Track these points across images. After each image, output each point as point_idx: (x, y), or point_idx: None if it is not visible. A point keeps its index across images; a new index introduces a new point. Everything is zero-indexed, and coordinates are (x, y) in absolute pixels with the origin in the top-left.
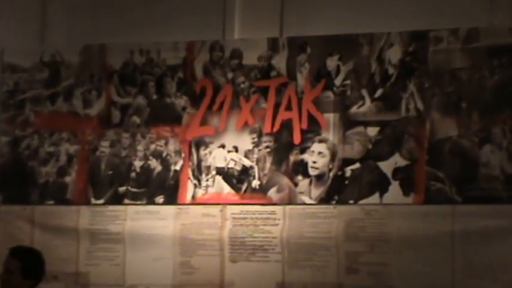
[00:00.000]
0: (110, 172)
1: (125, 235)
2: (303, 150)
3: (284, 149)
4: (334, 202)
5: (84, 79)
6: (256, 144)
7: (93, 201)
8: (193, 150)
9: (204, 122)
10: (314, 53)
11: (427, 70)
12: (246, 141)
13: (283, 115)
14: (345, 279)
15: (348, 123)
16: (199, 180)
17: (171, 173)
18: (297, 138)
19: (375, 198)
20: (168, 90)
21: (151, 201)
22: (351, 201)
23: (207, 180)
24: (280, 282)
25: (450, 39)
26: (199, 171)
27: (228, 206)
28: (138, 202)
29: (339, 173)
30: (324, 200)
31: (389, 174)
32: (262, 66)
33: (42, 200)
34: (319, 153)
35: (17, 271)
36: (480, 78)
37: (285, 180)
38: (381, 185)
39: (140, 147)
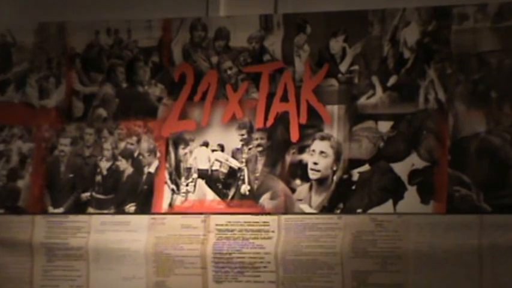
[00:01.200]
0: (71, 175)
1: (89, 250)
2: (301, 150)
3: (279, 148)
4: (338, 211)
5: (40, 64)
6: (246, 142)
7: (50, 209)
8: (171, 149)
9: (183, 116)
10: (315, 33)
11: (450, 53)
12: (233, 139)
13: (278, 107)
14: None
15: (355, 116)
16: (177, 185)
17: (144, 176)
18: (294, 135)
19: (387, 206)
20: (140, 77)
21: (120, 210)
22: (359, 210)
23: (187, 184)
24: None
25: (477, 16)
26: (177, 174)
27: (212, 216)
28: (105, 211)
29: (345, 176)
30: (326, 208)
31: (404, 178)
32: (253, 49)
33: None
34: (321, 152)
35: None
36: None
37: (280, 185)
38: (394, 190)
39: (107, 146)
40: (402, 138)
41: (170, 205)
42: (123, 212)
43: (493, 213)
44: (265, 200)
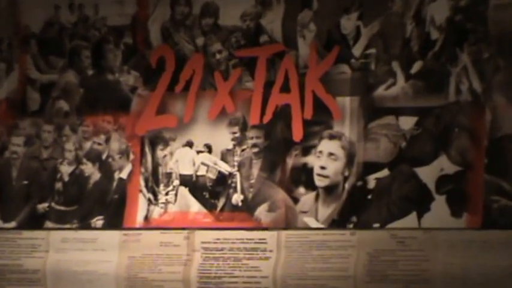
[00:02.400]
0: (25, 182)
1: (47, 273)
2: (306, 151)
3: (279, 149)
4: (351, 226)
5: None
6: (239, 142)
7: (0, 224)
8: (147, 150)
9: (162, 110)
10: (323, 9)
11: (487, 33)
12: (223, 138)
13: (277, 99)
14: None
15: (371, 111)
16: (155, 194)
17: (115, 183)
18: (297, 133)
19: (410, 220)
20: (110, 62)
21: (85, 224)
22: (376, 225)
23: (167, 193)
24: None
25: None
26: (155, 180)
27: (198, 232)
28: (66, 225)
29: (359, 183)
30: (336, 222)
31: (431, 186)
32: (248, 28)
33: None
34: (330, 154)
35: None
36: None
37: (280, 194)
38: (419, 201)
39: (69, 146)
40: (429, 137)
41: (146, 218)
42: (89, 227)
43: None
44: (261, 212)
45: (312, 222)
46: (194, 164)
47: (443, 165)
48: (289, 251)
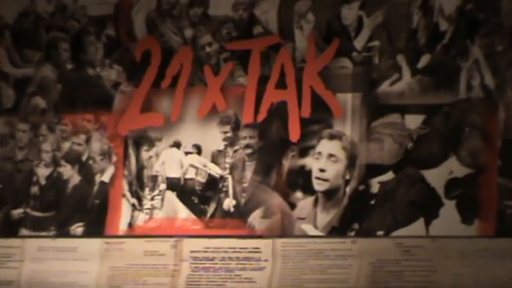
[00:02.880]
0: None
1: (22, 285)
2: (303, 152)
3: (274, 150)
4: (353, 233)
5: None
6: (231, 142)
7: None
8: (131, 151)
9: (147, 107)
10: None
11: (500, 25)
12: (214, 138)
13: (273, 96)
14: None
15: (375, 108)
16: (139, 199)
17: (96, 187)
18: (294, 133)
19: (417, 227)
20: (90, 56)
21: (63, 232)
22: (380, 233)
23: (153, 198)
24: None
25: None
26: (140, 184)
27: (186, 240)
28: (43, 233)
29: (361, 187)
30: (337, 230)
31: (440, 190)
32: (240, 19)
33: None
34: (330, 156)
35: None
36: None
37: (276, 199)
38: (427, 206)
39: (46, 147)
40: (437, 137)
41: (130, 225)
42: (68, 235)
43: None
44: (255, 218)
45: (310, 229)
46: (182, 166)
47: (452, 167)
48: (286, 260)
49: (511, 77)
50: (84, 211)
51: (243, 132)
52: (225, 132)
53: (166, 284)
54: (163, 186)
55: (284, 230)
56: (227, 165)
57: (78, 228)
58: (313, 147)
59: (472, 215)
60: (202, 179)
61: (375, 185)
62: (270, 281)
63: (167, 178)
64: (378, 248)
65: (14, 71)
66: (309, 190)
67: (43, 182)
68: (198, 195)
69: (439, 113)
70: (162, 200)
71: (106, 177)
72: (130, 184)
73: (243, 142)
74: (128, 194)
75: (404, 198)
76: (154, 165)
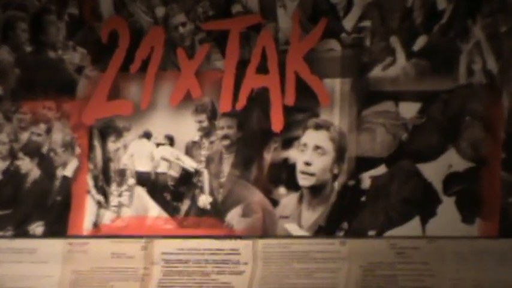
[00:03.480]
0: None
1: None
2: (287, 143)
3: (255, 141)
4: (342, 234)
5: None
6: (206, 133)
7: None
8: (96, 143)
9: (114, 94)
10: None
11: (504, 3)
12: (188, 128)
13: (253, 82)
14: None
15: (366, 95)
16: (106, 195)
17: (57, 182)
18: (277, 122)
19: (413, 226)
20: (51, 37)
21: (21, 232)
22: (372, 233)
23: (121, 194)
24: None
25: None
26: (106, 179)
27: (157, 241)
28: None
29: (351, 182)
30: (324, 229)
31: (438, 186)
32: None
33: None
34: (316, 148)
35: None
36: None
37: (256, 196)
38: (423, 203)
39: (3, 137)
40: (435, 127)
41: (95, 225)
42: (27, 235)
43: None
44: (234, 217)
45: (294, 229)
46: (153, 160)
47: (452, 161)
48: (267, 263)
49: None
50: (44, 209)
51: (220, 122)
52: (200, 122)
53: None
54: (132, 181)
55: (265, 230)
56: (202, 158)
57: (37, 227)
58: (297, 138)
59: (473, 213)
60: (175, 173)
61: (366, 180)
62: (250, 286)
63: (136, 172)
64: (370, 250)
65: None
66: (293, 186)
67: None
68: (170, 191)
69: (437, 100)
70: (131, 196)
71: (69, 172)
72: (95, 179)
73: (220, 133)
74: (93, 190)
75: (398, 195)
76: (122, 158)
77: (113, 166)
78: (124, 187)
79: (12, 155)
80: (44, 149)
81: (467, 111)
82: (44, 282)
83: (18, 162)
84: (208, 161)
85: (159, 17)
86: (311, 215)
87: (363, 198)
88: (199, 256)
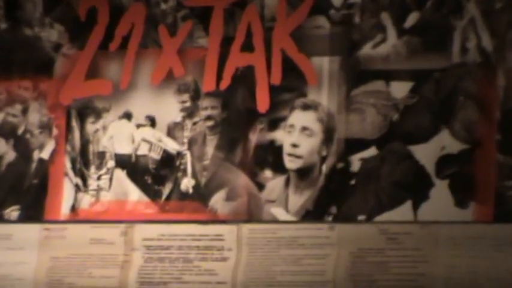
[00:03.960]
0: None
1: None
2: (273, 124)
3: (239, 122)
4: (330, 218)
5: None
6: (189, 114)
7: None
8: (74, 124)
9: (93, 73)
10: None
11: None
12: (170, 108)
13: (238, 60)
14: None
15: (355, 74)
16: (84, 179)
17: (34, 165)
18: (262, 102)
19: (404, 211)
20: (27, 13)
21: None
22: (362, 217)
23: (99, 178)
24: None
25: None
26: (84, 161)
27: (138, 226)
28: None
29: (340, 165)
30: (311, 214)
31: (430, 168)
32: None
33: None
34: (304, 129)
35: None
36: None
37: (241, 179)
38: (415, 187)
39: None
40: (427, 107)
41: (73, 209)
42: (1, 220)
43: None
44: (218, 201)
45: (280, 213)
46: (133, 141)
47: (445, 142)
48: (253, 249)
49: None
50: (20, 193)
51: (204, 102)
52: (183, 102)
53: (115, 277)
54: (111, 163)
55: (251, 215)
56: (185, 140)
57: (13, 212)
58: (284, 119)
59: (467, 197)
60: (156, 155)
61: (355, 162)
62: (235, 273)
63: (116, 155)
64: (359, 235)
65: None
66: (279, 168)
67: None
68: (151, 175)
69: (429, 79)
70: (111, 179)
71: (45, 154)
72: (73, 161)
73: (204, 113)
74: (71, 173)
75: (389, 178)
76: (101, 139)
77: (92, 148)
78: (103, 170)
79: None
80: (20, 131)
81: (460, 90)
82: (20, 269)
83: None
84: (191, 142)
85: None
86: (298, 199)
87: (353, 182)
88: (182, 242)
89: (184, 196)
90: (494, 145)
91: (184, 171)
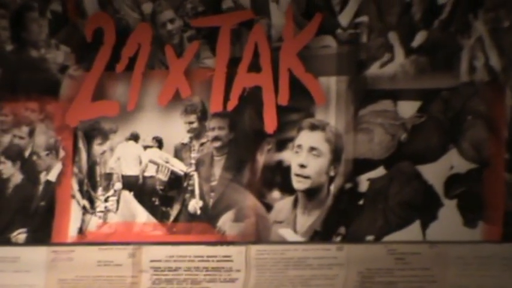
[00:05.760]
0: None
1: None
2: (281, 145)
3: (247, 143)
4: (339, 239)
5: None
6: (197, 135)
7: None
8: (81, 146)
9: (99, 94)
10: None
11: None
12: (177, 129)
13: (245, 81)
14: None
15: (363, 94)
16: (91, 201)
17: (41, 188)
18: (270, 123)
19: (413, 231)
20: (33, 35)
21: (3, 239)
22: (370, 237)
23: (107, 199)
24: None
25: None
26: (92, 183)
27: (146, 247)
28: None
29: (348, 185)
30: (320, 235)
31: (439, 188)
32: None
33: None
34: (312, 149)
35: None
36: None
37: (249, 200)
38: (424, 207)
39: None
40: (435, 126)
41: (81, 231)
42: (9, 243)
43: None
44: (226, 222)
45: (289, 234)
46: (140, 163)
47: (453, 162)
48: (261, 270)
49: None
50: (27, 215)
51: (211, 123)
52: (190, 123)
53: None
54: (118, 185)
55: (259, 236)
56: (193, 161)
57: (20, 235)
58: (292, 139)
59: (476, 216)
60: (164, 177)
61: (363, 182)
62: None
63: (123, 176)
64: (368, 256)
65: None
66: (287, 189)
67: None
68: (159, 196)
69: (437, 99)
70: (118, 201)
71: (52, 176)
72: (80, 183)
73: (211, 134)
74: (78, 195)
75: (397, 198)
76: (109, 161)
77: (99, 170)
78: (110, 192)
79: None
80: (27, 153)
81: (469, 109)
82: None
83: (0, 167)
84: (199, 163)
85: (146, 13)
86: (306, 220)
87: (361, 202)
88: (190, 263)
89: (192, 217)
90: (502, 164)
91: (192, 193)
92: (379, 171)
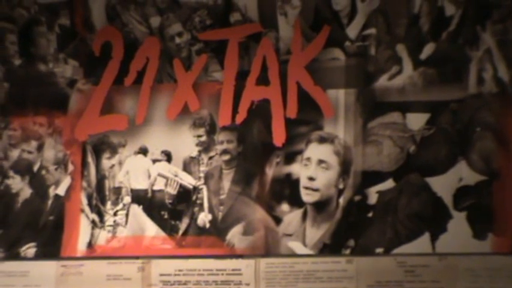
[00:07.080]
0: None
1: None
2: (290, 158)
3: (256, 156)
4: (348, 251)
5: None
6: (205, 148)
7: None
8: (90, 160)
9: (108, 108)
10: None
11: None
12: (185, 143)
13: (253, 94)
14: None
15: (372, 106)
16: (101, 215)
17: (50, 202)
18: (279, 136)
19: (422, 243)
20: (42, 49)
21: (13, 254)
22: (379, 250)
23: (116, 213)
24: None
25: None
26: (101, 197)
27: (155, 261)
28: None
29: (357, 198)
30: (329, 247)
31: (448, 200)
32: (215, 5)
33: None
34: (320, 162)
35: None
36: None
37: (258, 213)
38: (433, 219)
39: None
40: (444, 138)
41: (90, 245)
42: (18, 257)
43: None
44: (235, 235)
45: (298, 247)
46: (149, 177)
47: (462, 174)
48: (270, 283)
49: None
50: (36, 229)
51: (220, 136)
52: (199, 136)
53: None
54: (127, 199)
55: (268, 249)
56: (201, 174)
57: (29, 249)
58: (300, 152)
59: (485, 228)
60: (172, 190)
61: (372, 195)
62: None
63: (132, 190)
64: (377, 268)
65: None
66: (296, 202)
67: None
68: (168, 210)
69: (446, 110)
70: (127, 215)
71: (61, 190)
72: (89, 197)
73: (220, 147)
74: (87, 209)
75: (406, 210)
76: (117, 175)
77: (108, 184)
78: (119, 206)
79: (2, 174)
80: (36, 167)
81: (477, 121)
82: None
83: (9, 181)
84: (208, 177)
85: (155, 27)
86: (316, 233)
87: (370, 214)
88: (199, 277)
89: (201, 231)
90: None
91: (201, 206)
92: (388, 184)
